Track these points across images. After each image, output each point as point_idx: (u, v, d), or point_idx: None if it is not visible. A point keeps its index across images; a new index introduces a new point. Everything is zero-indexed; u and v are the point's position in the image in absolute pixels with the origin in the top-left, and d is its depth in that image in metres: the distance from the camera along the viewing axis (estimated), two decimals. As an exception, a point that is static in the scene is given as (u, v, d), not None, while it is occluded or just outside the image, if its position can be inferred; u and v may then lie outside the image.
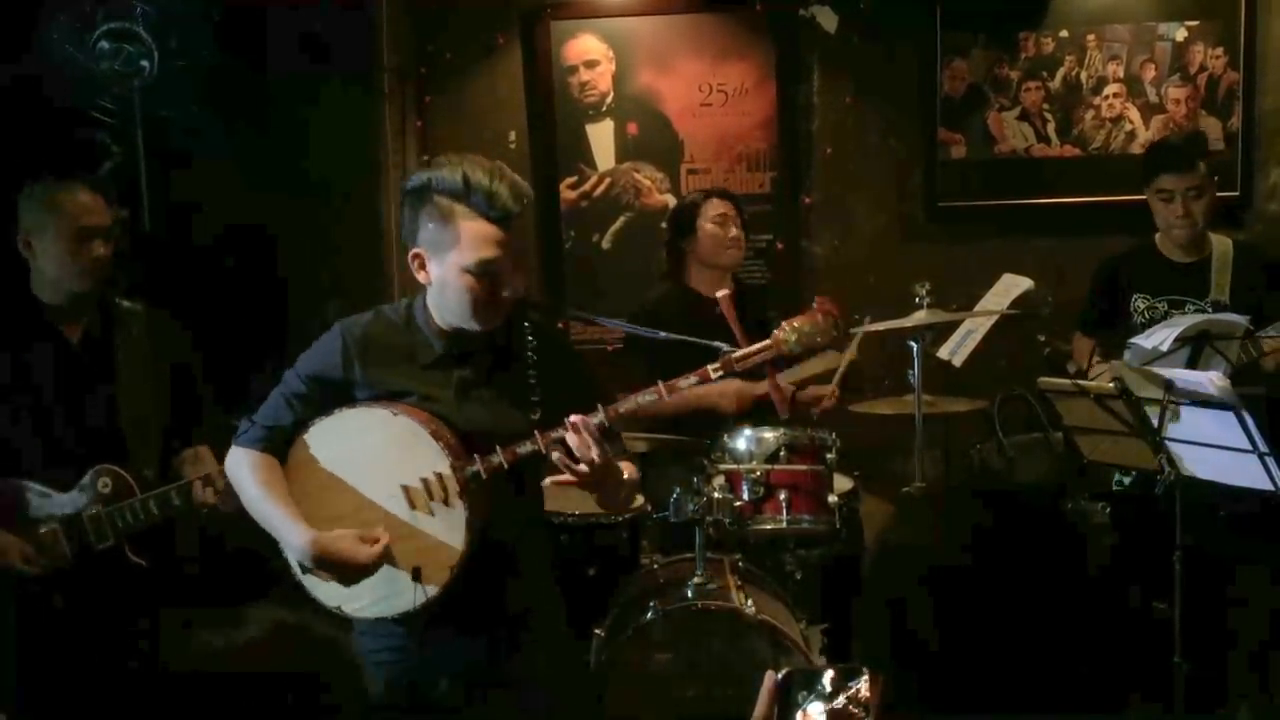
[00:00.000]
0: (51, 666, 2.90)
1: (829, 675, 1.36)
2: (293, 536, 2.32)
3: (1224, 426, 2.91)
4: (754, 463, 3.42)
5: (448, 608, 2.33)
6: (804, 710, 1.34)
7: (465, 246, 2.25)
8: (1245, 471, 2.96)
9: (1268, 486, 2.93)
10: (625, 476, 2.46)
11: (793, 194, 4.82)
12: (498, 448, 2.30)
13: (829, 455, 3.46)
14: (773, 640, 3.05)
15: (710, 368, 2.31)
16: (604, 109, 4.82)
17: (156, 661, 2.99)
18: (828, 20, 4.66)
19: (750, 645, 3.06)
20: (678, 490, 3.18)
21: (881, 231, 4.84)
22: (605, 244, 4.89)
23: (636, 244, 4.85)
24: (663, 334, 3.49)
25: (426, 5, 4.75)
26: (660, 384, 2.32)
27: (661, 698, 3.08)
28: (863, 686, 1.36)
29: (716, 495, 3.25)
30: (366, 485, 2.36)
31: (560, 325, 4.41)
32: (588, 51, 4.80)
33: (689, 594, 3.15)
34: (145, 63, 3.79)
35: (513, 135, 4.84)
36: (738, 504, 3.32)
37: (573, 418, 2.28)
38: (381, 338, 2.39)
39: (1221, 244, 3.71)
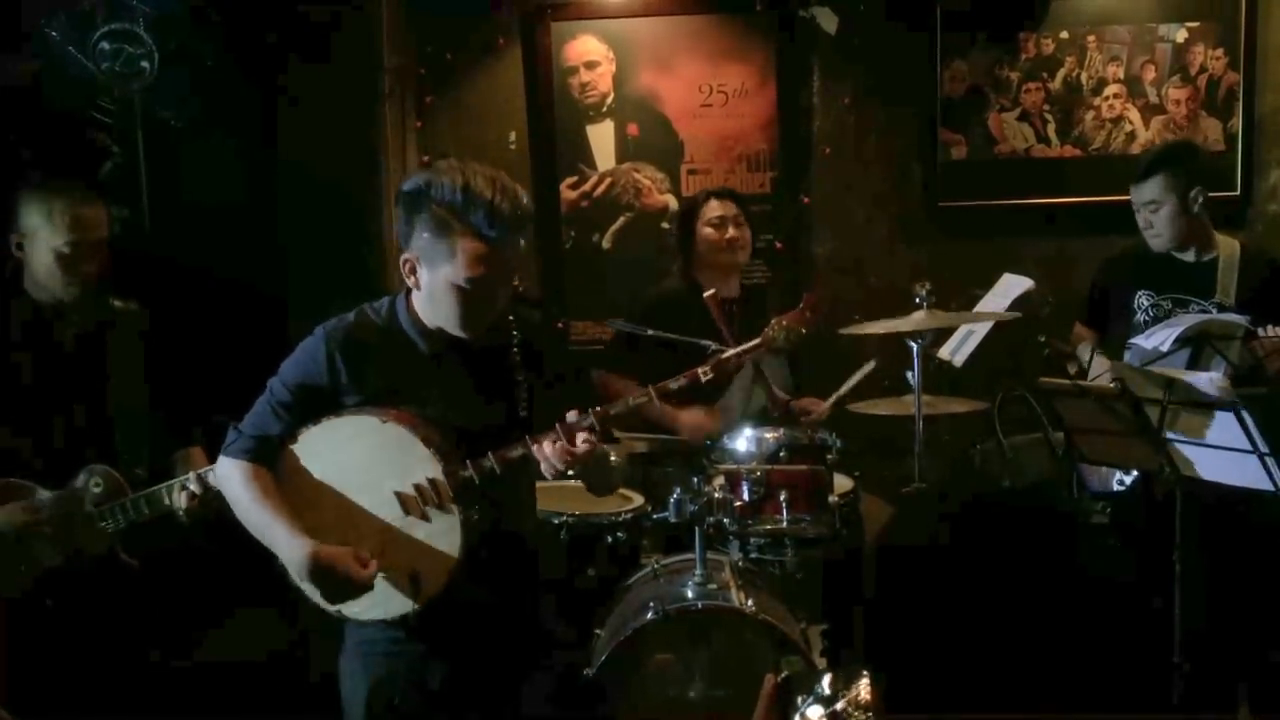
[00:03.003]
0: (42, 667, 2.91)
1: (829, 678, 1.36)
2: (291, 549, 2.30)
3: (1224, 427, 2.91)
4: (754, 463, 3.42)
5: (446, 604, 2.33)
6: (803, 713, 1.34)
7: (460, 263, 2.21)
8: (1245, 471, 2.96)
9: (1268, 486, 2.93)
10: (612, 460, 2.46)
11: (793, 194, 4.82)
12: (489, 453, 2.30)
13: (829, 455, 3.46)
14: (773, 640, 3.05)
15: (700, 370, 2.31)
16: (604, 110, 4.82)
17: (148, 660, 3.01)
18: (828, 21, 4.66)
19: (750, 645, 3.06)
20: (678, 490, 3.18)
21: (881, 231, 4.84)
22: (605, 244, 4.89)
23: (636, 244, 4.85)
24: (649, 331, 3.50)
25: (426, 5, 4.75)
26: (650, 387, 2.32)
27: (661, 698, 3.08)
28: (863, 688, 1.36)
29: (716, 495, 3.25)
30: (359, 493, 2.35)
31: (559, 325, 4.41)
32: (588, 52, 4.80)
33: (689, 594, 3.15)
34: (145, 64, 3.79)
35: (513, 135, 4.84)
36: (738, 504, 3.32)
37: (560, 423, 2.27)
38: (366, 340, 2.36)
39: (1229, 245, 3.70)
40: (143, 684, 3.01)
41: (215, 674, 3.42)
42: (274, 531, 2.32)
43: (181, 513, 2.90)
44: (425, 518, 2.31)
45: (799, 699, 1.36)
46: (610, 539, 3.49)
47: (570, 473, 2.34)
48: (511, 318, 2.42)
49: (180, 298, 3.43)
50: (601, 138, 4.84)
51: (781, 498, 3.34)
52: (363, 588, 2.29)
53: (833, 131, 4.82)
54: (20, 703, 2.83)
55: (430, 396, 2.35)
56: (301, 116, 4.07)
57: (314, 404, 2.35)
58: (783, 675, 1.38)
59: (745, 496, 3.34)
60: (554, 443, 2.26)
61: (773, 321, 2.35)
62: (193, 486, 2.89)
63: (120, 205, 3.77)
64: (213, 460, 2.99)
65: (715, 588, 3.17)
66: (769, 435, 3.50)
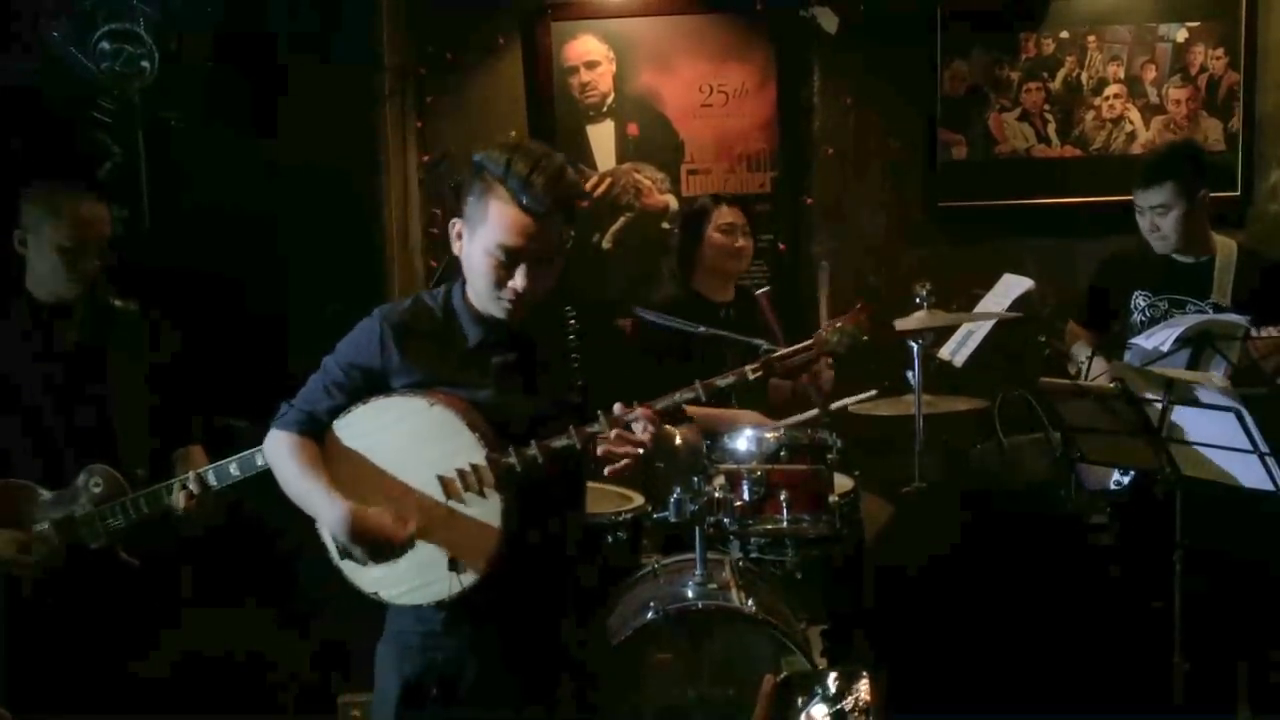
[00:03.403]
0: (43, 666, 2.91)
1: (829, 678, 1.36)
2: (329, 509, 2.32)
3: (1224, 427, 2.91)
4: (754, 463, 3.42)
5: (485, 596, 2.32)
6: (808, 712, 1.34)
7: (492, 227, 2.24)
8: (1245, 472, 2.96)
9: (1268, 486, 2.93)
10: (678, 442, 2.44)
11: (793, 194, 4.82)
12: (533, 441, 2.29)
13: (829, 455, 3.46)
14: (773, 640, 3.05)
15: (749, 368, 2.30)
16: (604, 110, 4.82)
17: (146, 660, 3.01)
18: (828, 21, 4.66)
19: (750, 645, 3.06)
20: (678, 490, 3.18)
21: (881, 231, 4.84)
22: (606, 244, 4.89)
23: (636, 244, 4.85)
24: (702, 328, 3.51)
25: (426, 5, 4.75)
26: (698, 382, 2.30)
27: (661, 698, 3.08)
28: (863, 688, 1.36)
29: (716, 495, 3.25)
30: (402, 474, 2.34)
31: (620, 324, 4.38)
32: (588, 52, 4.80)
33: (689, 594, 3.15)
34: (145, 63, 3.79)
35: (513, 135, 4.84)
36: (738, 504, 3.32)
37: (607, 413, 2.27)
38: (419, 325, 2.38)
39: (1225, 246, 3.70)
40: (142, 682, 3.01)
41: (215, 674, 3.42)
42: (314, 496, 2.35)
43: (179, 512, 2.91)
44: (467, 503, 2.30)
45: (799, 699, 1.36)
46: (610, 539, 3.49)
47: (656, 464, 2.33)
48: (571, 317, 2.43)
49: (181, 298, 3.43)
50: (601, 138, 4.84)
51: (781, 498, 3.34)
52: (401, 547, 2.31)
53: (833, 131, 4.82)
54: (20, 702, 2.84)
55: (479, 383, 2.35)
56: (302, 116, 4.07)
57: (365, 384, 2.37)
58: (782, 675, 1.38)
59: (745, 496, 3.34)
60: (612, 434, 2.26)
61: (826, 324, 2.33)
62: (191, 486, 2.90)
63: (120, 205, 3.77)
64: (213, 460, 3.01)
65: (715, 588, 3.17)
66: (769, 435, 3.50)
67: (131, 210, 3.83)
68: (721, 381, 2.31)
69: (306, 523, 2.44)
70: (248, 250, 3.96)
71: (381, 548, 2.32)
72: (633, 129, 4.83)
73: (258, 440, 2.94)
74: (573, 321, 2.44)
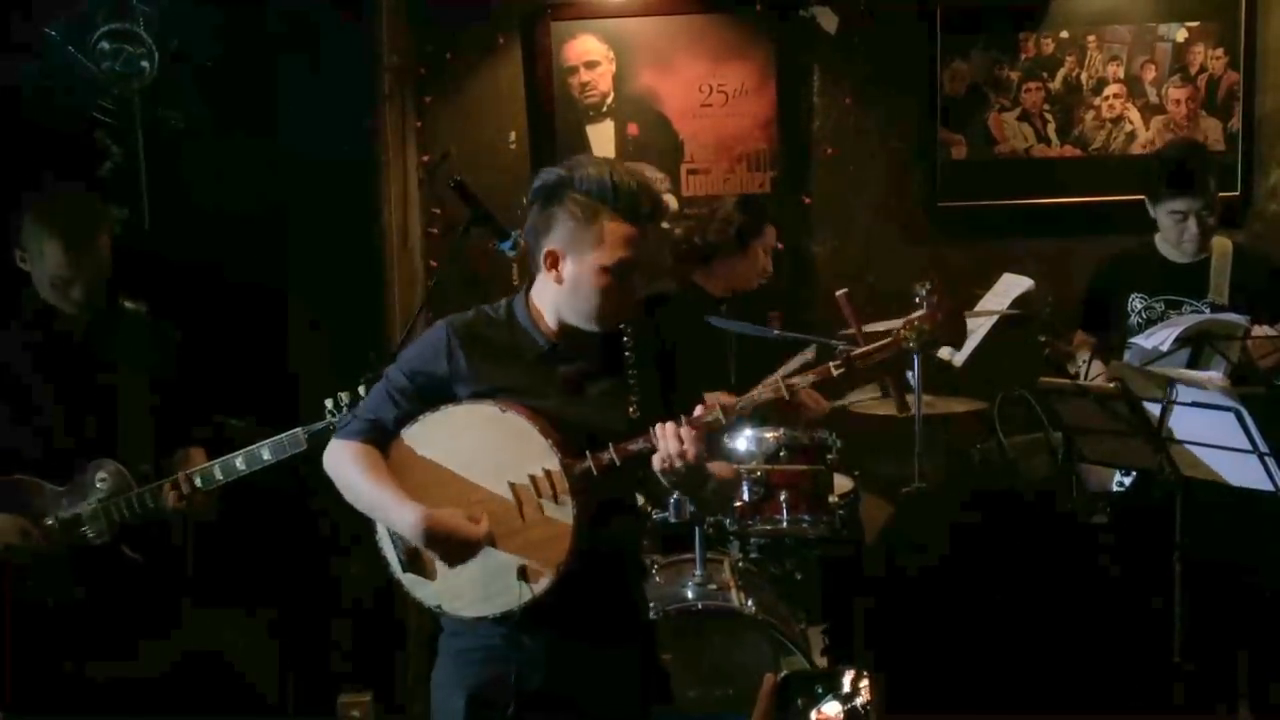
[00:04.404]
0: (46, 662, 2.92)
1: (831, 679, 1.36)
2: (403, 514, 2.31)
3: (1224, 427, 2.91)
4: (754, 463, 3.42)
5: (544, 611, 2.31)
6: (820, 709, 1.34)
7: (608, 247, 2.26)
8: (1245, 472, 2.96)
9: (1268, 486, 2.94)
10: (718, 477, 2.44)
11: (793, 194, 4.82)
12: (610, 444, 2.29)
13: (829, 455, 3.46)
14: (773, 640, 3.05)
15: (832, 365, 2.28)
16: (604, 110, 4.82)
17: (147, 658, 3.02)
18: (828, 21, 4.66)
19: (750, 645, 3.07)
20: (678, 490, 3.17)
21: (881, 231, 4.84)
22: (605, 244, 4.88)
23: (637, 244, 4.85)
24: (775, 332, 3.51)
25: (426, 5, 4.75)
26: (780, 379, 2.28)
27: (661, 698, 3.08)
28: (863, 688, 1.36)
29: (717, 495, 3.25)
30: (473, 482, 2.33)
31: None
32: (588, 52, 4.80)
33: (689, 594, 3.15)
34: (145, 63, 3.80)
35: (513, 136, 4.84)
36: (738, 504, 3.32)
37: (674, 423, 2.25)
38: (486, 333, 2.39)
39: (1221, 245, 3.70)
40: (143, 681, 3.01)
41: (215, 672, 3.42)
42: (385, 503, 2.34)
43: (169, 511, 2.93)
44: (541, 510, 2.29)
45: (799, 699, 1.36)
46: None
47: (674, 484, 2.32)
48: (627, 324, 2.43)
49: (182, 298, 3.44)
50: (601, 138, 4.84)
51: (781, 498, 3.34)
52: (477, 546, 2.29)
53: (833, 131, 4.81)
54: (20, 702, 2.85)
55: (546, 392, 2.35)
56: (301, 116, 4.07)
57: (430, 392, 2.37)
58: (782, 674, 1.38)
59: (745, 496, 3.34)
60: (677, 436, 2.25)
61: (905, 322, 2.32)
62: (182, 487, 2.92)
63: (120, 205, 3.78)
64: (212, 458, 3.02)
65: (715, 588, 3.17)
66: (769, 435, 3.50)
67: (131, 210, 3.84)
68: (800, 380, 2.29)
69: (363, 535, 2.44)
70: (248, 250, 3.96)
71: (458, 549, 2.30)
72: (632, 129, 4.83)
73: (254, 439, 2.95)
74: (629, 336, 2.42)
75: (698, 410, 2.27)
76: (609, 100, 4.81)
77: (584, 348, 2.39)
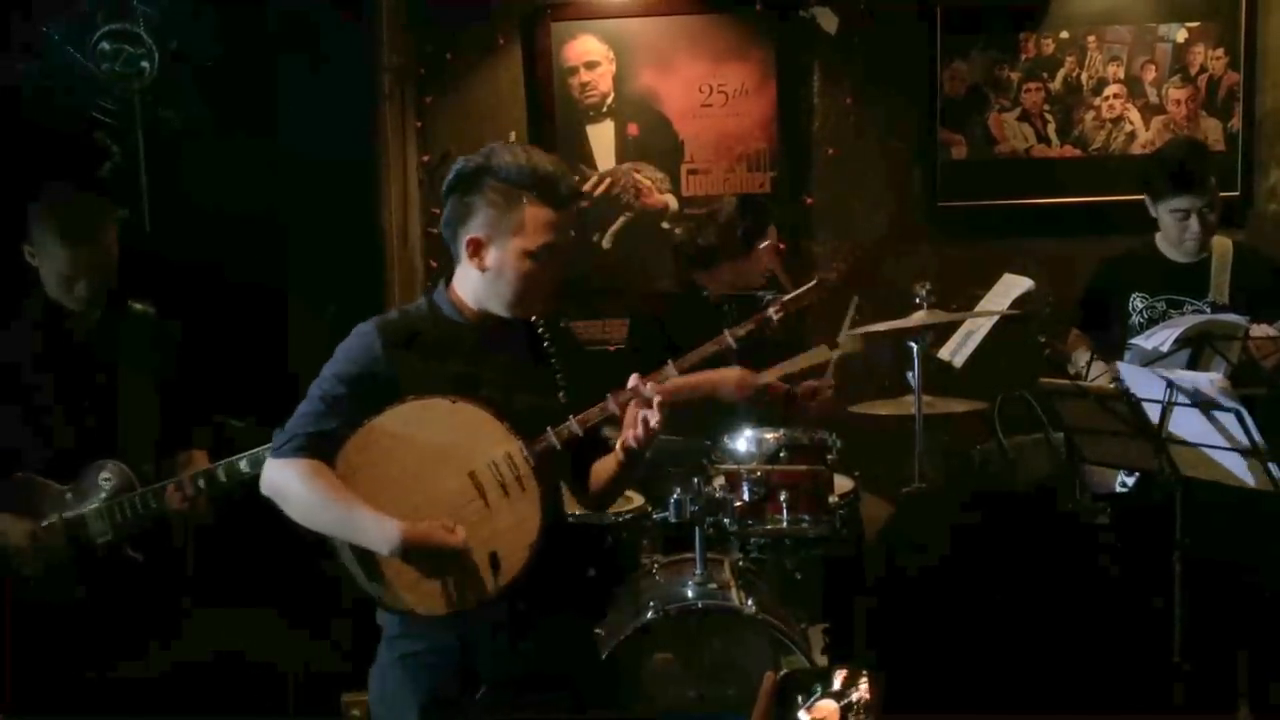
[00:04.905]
0: (46, 663, 2.92)
1: (828, 677, 1.36)
2: (378, 531, 2.23)
3: (1224, 427, 2.91)
4: (754, 463, 3.42)
5: (493, 610, 2.31)
6: (814, 706, 1.34)
7: (530, 232, 2.28)
8: (1245, 472, 2.96)
9: (1268, 487, 2.93)
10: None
11: (793, 194, 4.82)
12: (570, 416, 2.30)
13: (829, 455, 3.46)
14: (773, 640, 3.05)
15: (771, 311, 2.35)
16: (604, 110, 4.82)
17: (149, 658, 3.02)
18: (828, 21, 4.66)
19: (750, 645, 3.07)
20: (678, 490, 3.18)
21: (881, 231, 4.84)
22: (605, 243, 4.89)
23: (636, 244, 4.85)
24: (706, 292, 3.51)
25: (426, 5, 4.75)
26: (726, 332, 2.34)
27: (661, 698, 3.08)
28: (862, 688, 1.36)
29: (716, 495, 3.25)
30: (432, 479, 2.30)
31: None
32: (588, 52, 4.80)
33: (689, 594, 3.15)
34: (145, 64, 3.80)
35: (513, 136, 4.84)
36: (738, 504, 3.32)
37: (634, 381, 2.31)
38: (417, 329, 2.38)
39: (1221, 244, 3.70)
40: (144, 681, 3.02)
41: (214, 671, 3.42)
42: (356, 520, 2.25)
43: (171, 513, 2.93)
44: (505, 493, 2.29)
45: (799, 698, 1.36)
46: (610, 539, 3.49)
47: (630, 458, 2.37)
48: (534, 316, 2.46)
49: (182, 298, 3.44)
50: (601, 138, 4.84)
51: (781, 498, 3.34)
52: (455, 554, 2.26)
53: (833, 131, 4.81)
54: (21, 702, 2.85)
55: (482, 383, 2.35)
56: (301, 116, 4.07)
57: (369, 396, 2.32)
58: (782, 673, 1.38)
59: (745, 496, 3.34)
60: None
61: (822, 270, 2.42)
62: (187, 489, 2.93)
63: (120, 205, 3.78)
64: (213, 459, 3.02)
65: (715, 588, 3.17)
66: (769, 435, 3.50)
67: (131, 210, 3.84)
68: (743, 330, 2.35)
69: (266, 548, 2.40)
70: (247, 250, 3.96)
71: (437, 559, 2.26)
72: (633, 129, 4.83)
73: (254, 440, 2.95)
74: (540, 320, 2.46)
75: (633, 379, 2.31)
76: (609, 100, 4.81)
77: (508, 336, 2.40)
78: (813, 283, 2.51)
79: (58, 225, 2.97)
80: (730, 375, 3.63)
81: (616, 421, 2.36)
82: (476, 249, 2.32)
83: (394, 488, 2.30)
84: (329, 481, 2.28)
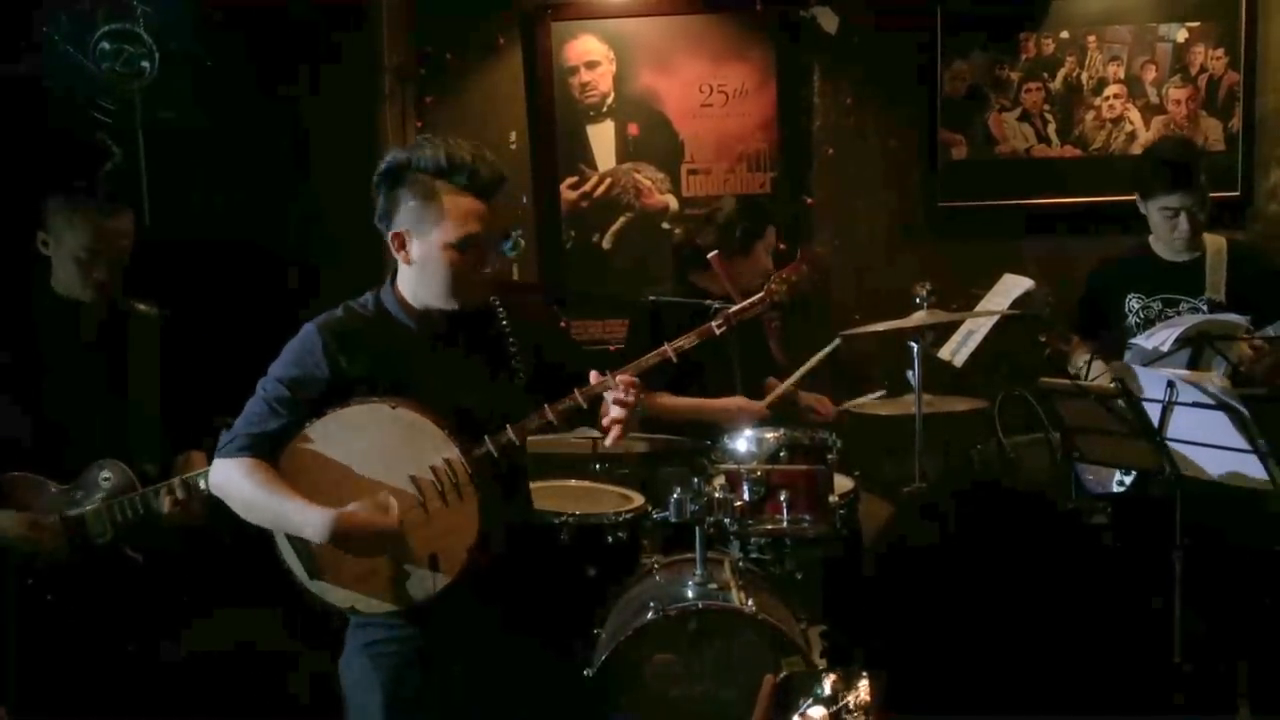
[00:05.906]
0: (49, 661, 2.92)
1: (828, 678, 1.36)
2: (311, 519, 2.27)
3: (1224, 426, 2.91)
4: (754, 463, 3.41)
5: (453, 600, 2.32)
6: (803, 713, 1.34)
7: (451, 223, 2.27)
8: (1245, 472, 2.96)
9: (1267, 487, 2.93)
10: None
11: (793, 194, 4.82)
12: (508, 425, 2.31)
13: (829, 455, 3.46)
14: (773, 640, 3.04)
15: (714, 324, 2.38)
16: (604, 110, 4.82)
17: (151, 655, 3.03)
18: (828, 21, 4.66)
19: (750, 645, 3.06)
20: (678, 490, 3.18)
21: (881, 231, 4.84)
22: (606, 244, 4.89)
23: (636, 244, 4.85)
24: (651, 298, 3.55)
25: (426, 5, 4.75)
26: (667, 345, 2.37)
27: (661, 698, 3.08)
28: (862, 688, 1.36)
29: (716, 495, 3.25)
30: (372, 483, 2.33)
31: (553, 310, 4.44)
32: (588, 52, 4.80)
33: (689, 594, 3.15)
34: (146, 64, 3.80)
35: (513, 136, 4.84)
36: (738, 504, 3.31)
37: (597, 378, 2.33)
38: (359, 329, 2.37)
39: (1215, 243, 3.71)
40: (143, 679, 3.02)
41: (215, 671, 3.42)
42: (287, 511, 2.29)
43: (164, 515, 2.93)
44: (444, 500, 2.30)
45: (799, 699, 1.36)
46: (610, 539, 3.48)
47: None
48: (496, 300, 2.45)
49: (181, 298, 3.44)
50: (602, 138, 4.84)
51: (782, 498, 3.34)
52: (391, 534, 2.28)
53: (833, 131, 4.82)
54: (21, 701, 2.84)
55: (430, 379, 2.35)
56: (301, 117, 4.07)
57: (313, 398, 2.34)
58: (782, 675, 1.38)
59: (745, 496, 3.33)
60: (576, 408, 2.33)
61: (773, 277, 2.42)
62: (178, 492, 2.93)
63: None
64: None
65: (715, 588, 3.17)
66: (769, 435, 3.50)
67: (131, 210, 3.83)
68: (686, 341, 2.38)
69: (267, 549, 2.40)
70: (247, 251, 3.96)
71: (373, 541, 2.28)
72: (633, 129, 4.83)
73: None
74: (500, 307, 2.46)
75: (593, 377, 2.32)
76: (609, 100, 4.81)
77: (453, 329, 2.39)
78: (760, 295, 2.52)
79: (79, 204, 3.00)
80: (732, 405, 3.68)
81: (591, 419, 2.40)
82: (401, 243, 2.33)
83: (336, 489, 2.32)
84: (267, 477, 2.32)
